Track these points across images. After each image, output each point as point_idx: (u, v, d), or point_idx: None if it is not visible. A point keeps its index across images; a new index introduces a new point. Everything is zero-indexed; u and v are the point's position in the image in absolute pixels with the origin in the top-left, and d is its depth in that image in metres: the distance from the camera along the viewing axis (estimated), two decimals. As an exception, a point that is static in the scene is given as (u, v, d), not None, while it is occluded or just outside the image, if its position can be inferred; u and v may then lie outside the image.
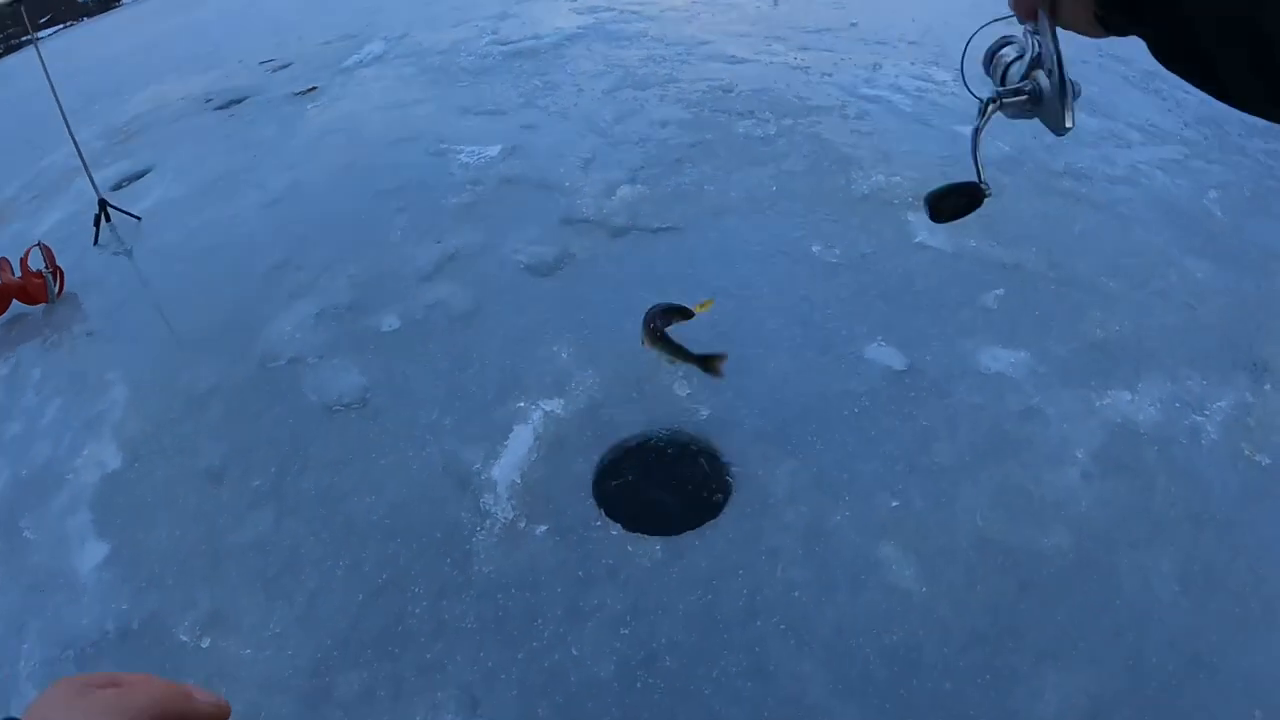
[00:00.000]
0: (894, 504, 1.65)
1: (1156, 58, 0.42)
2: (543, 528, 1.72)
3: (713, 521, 1.68)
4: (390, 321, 2.22)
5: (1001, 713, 1.40)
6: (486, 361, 2.04)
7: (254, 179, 3.05)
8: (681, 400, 1.88)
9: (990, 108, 0.59)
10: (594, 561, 1.67)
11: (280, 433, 2.00)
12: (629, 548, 1.67)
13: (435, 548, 1.73)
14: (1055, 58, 0.53)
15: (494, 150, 2.89)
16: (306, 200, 2.86)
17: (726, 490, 1.73)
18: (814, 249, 2.21)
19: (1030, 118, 0.58)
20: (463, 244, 2.42)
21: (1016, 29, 0.57)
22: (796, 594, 1.57)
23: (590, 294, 2.18)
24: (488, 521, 1.74)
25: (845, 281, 2.12)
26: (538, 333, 2.08)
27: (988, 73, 0.60)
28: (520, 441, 1.85)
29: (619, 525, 1.72)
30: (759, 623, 1.55)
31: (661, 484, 1.77)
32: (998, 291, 2.13)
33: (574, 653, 1.56)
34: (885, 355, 1.93)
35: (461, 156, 2.90)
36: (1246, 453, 1.87)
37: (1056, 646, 1.48)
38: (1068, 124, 0.54)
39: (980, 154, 0.61)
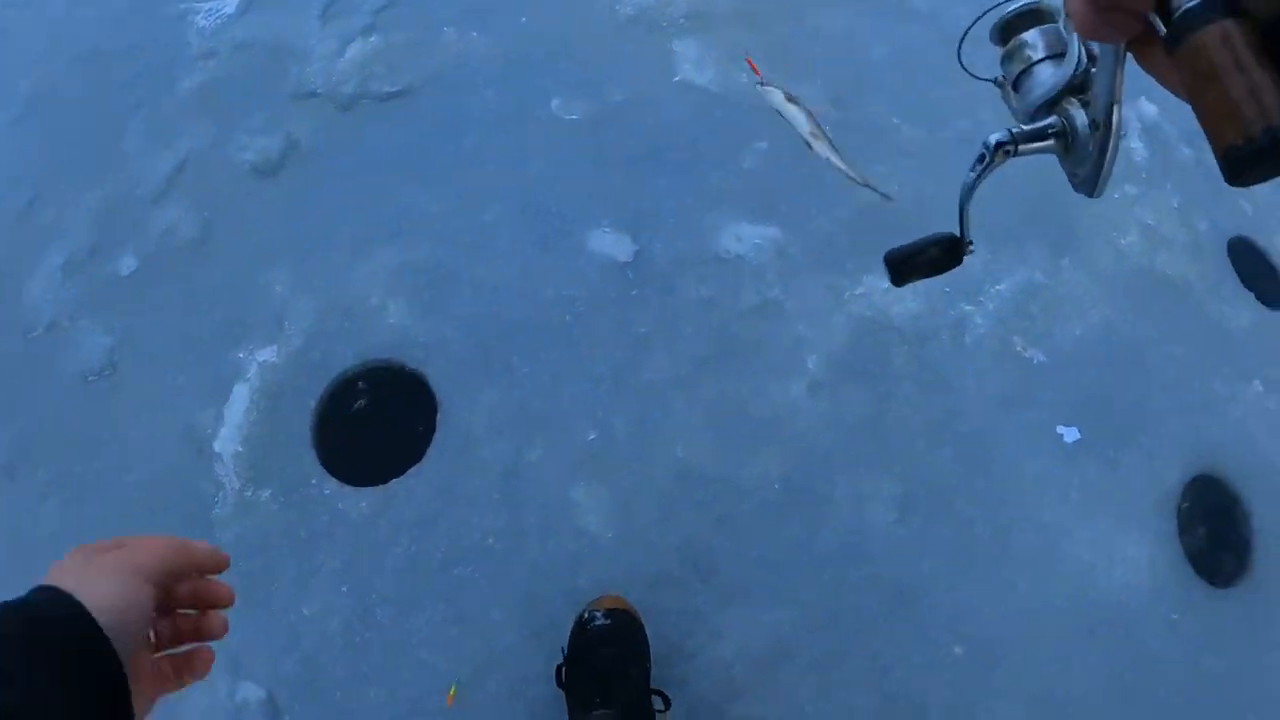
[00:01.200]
0: (592, 436, 1.51)
1: None
2: (267, 492, 1.70)
3: (416, 467, 1.60)
4: (129, 263, 2.04)
5: (679, 654, 1.39)
6: (213, 302, 1.88)
7: (6, 85, 2.69)
8: (391, 326, 1.70)
9: (996, 156, 0.42)
10: (314, 520, 1.65)
11: (51, 414, 1.97)
12: (340, 505, 1.64)
13: (189, 521, 1.74)
14: (1109, 104, 0.37)
15: (232, 5, 2.40)
16: (51, 109, 2.53)
17: (431, 429, 1.62)
18: (554, 104, 1.82)
19: (1043, 153, 0.41)
20: (193, 145, 2.12)
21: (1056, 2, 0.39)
22: (491, 541, 1.52)
23: (309, 198, 1.91)
24: (222, 491, 1.72)
25: (582, 147, 1.75)
26: (257, 258, 1.88)
27: (999, 47, 0.43)
28: (239, 402, 1.75)
29: (334, 479, 1.67)
30: (457, 571, 1.54)
31: (372, 428, 1.68)
32: (761, 145, 1.73)
33: (305, 612, 1.62)
34: (610, 244, 1.65)
35: (199, 19, 2.43)
36: (1018, 348, 1.60)
37: (746, 585, 1.42)
38: (1098, 191, 0.39)
39: (972, 206, 0.46)
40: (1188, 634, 1.55)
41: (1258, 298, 1.88)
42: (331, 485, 1.64)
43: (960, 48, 0.46)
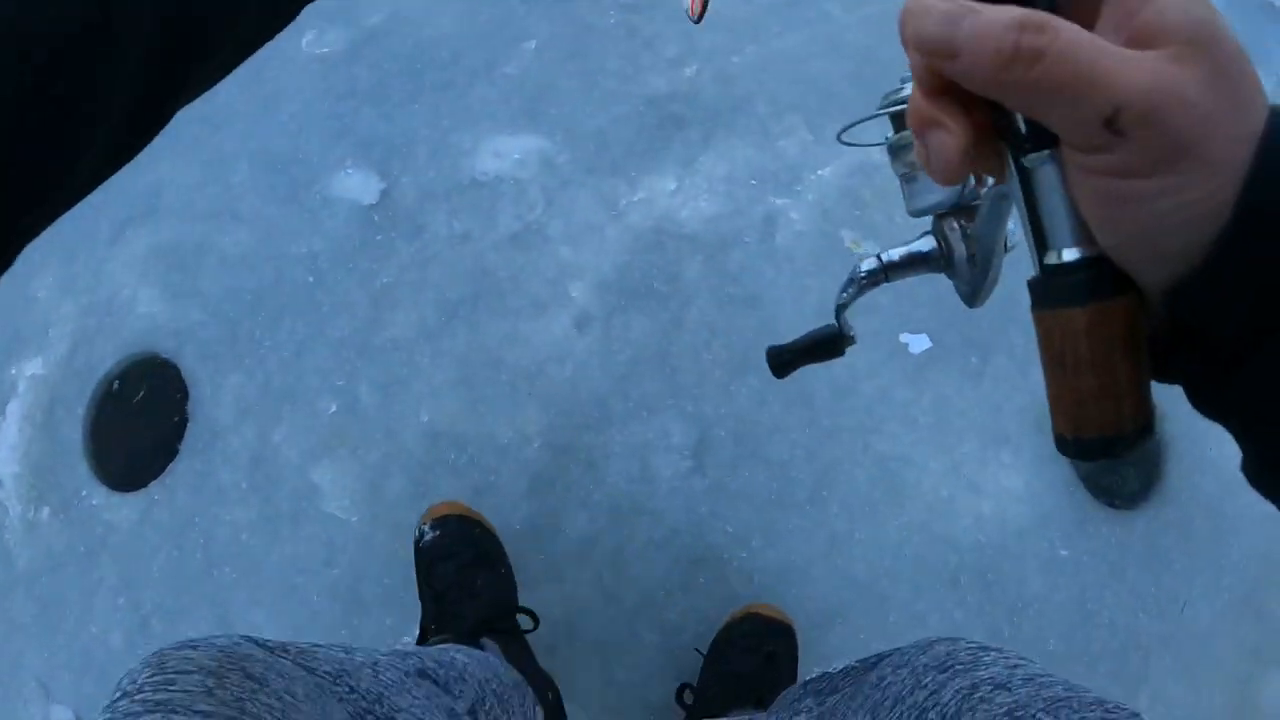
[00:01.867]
0: (333, 408, 1.31)
1: (1253, 464, 0.25)
2: (47, 511, 1.57)
3: (172, 465, 1.44)
4: None
5: (432, 637, 1.20)
6: (-1, 315, 1.75)
7: None
8: (145, 315, 1.53)
9: (861, 282, 0.42)
10: (90, 534, 1.52)
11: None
12: (108, 515, 1.49)
13: (-12, 550, 1.64)
14: (989, 250, 0.34)
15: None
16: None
17: (184, 421, 1.45)
18: (305, 41, 1.60)
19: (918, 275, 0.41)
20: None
21: None
22: (245, 537, 1.35)
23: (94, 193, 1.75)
24: (9, 517, 1.61)
25: (332, 83, 1.54)
26: (32, 264, 1.73)
27: (890, 136, 0.39)
28: (13, 421, 1.62)
29: (104, 488, 1.52)
30: (217, 573, 1.37)
31: (133, 429, 1.52)
32: (529, 45, 1.46)
33: (93, 630, 1.49)
34: (355, 186, 1.43)
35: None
36: (848, 244, 1.32)
37: (513, 560, 1.20)
38: (978, 304, 0.39)
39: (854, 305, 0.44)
40: (1082, 569, 1.27)
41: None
42: (100, 495, 1.50)
43: (842, 134, 0.43)
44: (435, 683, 0.72)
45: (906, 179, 0.38)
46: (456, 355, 1.28)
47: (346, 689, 0.57)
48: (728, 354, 1.28)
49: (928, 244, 0.37)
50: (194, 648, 0.49)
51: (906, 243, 0.39)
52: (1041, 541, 1.27)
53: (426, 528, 1.16)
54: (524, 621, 1.12)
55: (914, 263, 0.38)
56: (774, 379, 1.40)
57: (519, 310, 1.29)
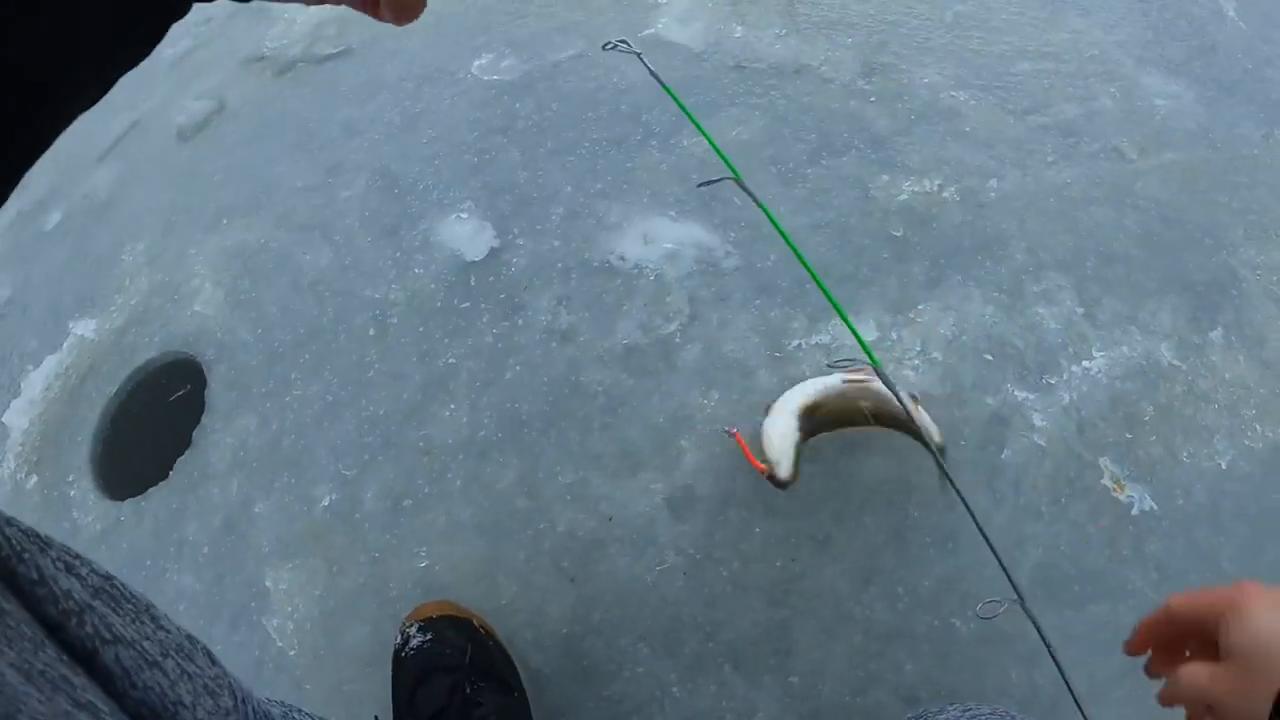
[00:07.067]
0: (327, 500, 1.01)
1: None
2: (34, 480, 1.38)
3: (156, 488, 1.20)
4: (54, 219, 1.85)
5: None
6: (84, 266, 1.63)
7: None
8: (199, 315, 1.35)
9: None
10: (57, 526, 1.29)
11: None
12: (76, 514, 1.25)
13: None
14: None
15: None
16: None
17: (185, 445, 1.21)
18: (477, 64, 1.42)
19: None
20: (151, 106, 1.94)
21: None
22: (181, 608, 1.06)
23: (205, 163, 1.66)
24: (1, 470, 1.45)
25: (486, 114, 1.34)
26: (138, 223, 1.63)
27: None
28: (43, 375, 1.48)
29: (90, 481, 1.29)
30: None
31: (143, 431, 1.32)
32: (730, 113, 1.18)
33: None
34: (465, 236, 1.19)
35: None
36: (1108, 482, 0.97)
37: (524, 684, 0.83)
38: None
39: None
40: None
41: None
42: (82, 488, 1.30)
43: None
44: None
45: None
46: (496, 491, 0.96)
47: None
48: (887, 610, 0.87)
49: None
50: None
51: None
52: None
53: (412, 630, 0.86)
54: None
55: None
56: (945, 663, 0.91)
57: (600, 458, 0.95)
